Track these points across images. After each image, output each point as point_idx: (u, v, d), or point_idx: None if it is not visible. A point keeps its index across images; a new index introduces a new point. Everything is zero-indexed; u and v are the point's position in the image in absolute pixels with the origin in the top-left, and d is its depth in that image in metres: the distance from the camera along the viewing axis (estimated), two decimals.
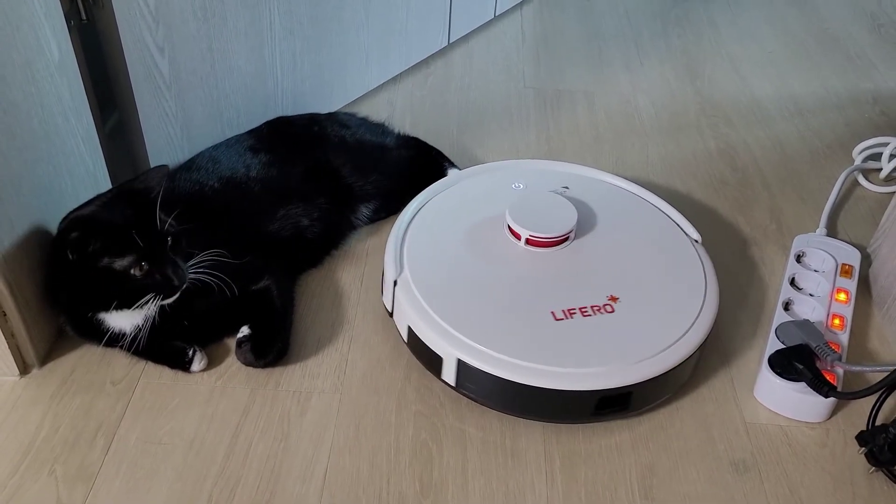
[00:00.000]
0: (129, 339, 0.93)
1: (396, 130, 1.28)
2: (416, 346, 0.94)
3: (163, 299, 0.90)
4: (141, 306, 0.89)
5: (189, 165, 1.09)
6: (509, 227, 1.01)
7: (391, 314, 1.00)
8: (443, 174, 1.22)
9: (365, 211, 1.16)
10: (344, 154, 1.16)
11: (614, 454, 0.88)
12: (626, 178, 1.15)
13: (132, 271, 0.88)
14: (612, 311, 0.93)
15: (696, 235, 1.06)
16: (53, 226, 0.93)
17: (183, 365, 0.95)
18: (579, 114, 1.46)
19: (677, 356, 0.89)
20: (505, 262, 1.00)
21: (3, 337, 0.89)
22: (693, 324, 0.93)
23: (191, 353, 0.95)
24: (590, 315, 0.93)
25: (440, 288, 0.96)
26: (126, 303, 0.90)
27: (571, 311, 0.93)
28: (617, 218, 1.07)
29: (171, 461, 0.86)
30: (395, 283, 0.97)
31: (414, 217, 1.06)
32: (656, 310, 0.94)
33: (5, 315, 0.89)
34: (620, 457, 0.88)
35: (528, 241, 1.00)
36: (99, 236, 0.87)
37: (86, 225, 0.88)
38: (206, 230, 1.01)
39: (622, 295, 0.95)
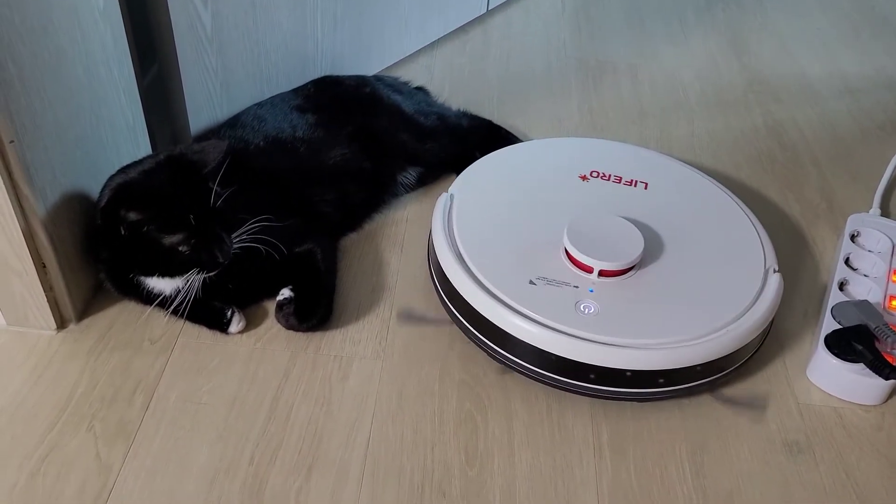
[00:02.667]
0: (169, 300, 0.91)
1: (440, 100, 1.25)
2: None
3: (206, 273, 0.88)
4: (183, 277, 0.88)
5: (234, 123, 1.07)
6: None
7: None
8: None
9: (410, 177, 1.14)
10: (399, 118, 1.14)
11: (664, 432, 0.86)
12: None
13: (180, 248, 0.86)
14: None
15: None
16: (94, 177, 0.90)
17: (221, 326, 0.93)
18: (622, 86, 1.42)
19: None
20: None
21: (41, 290, 0.87)
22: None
23: (229, 313, 0.93)
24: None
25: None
26: (169, 272, 0.88)
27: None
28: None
29: (211, 421, 0.84)
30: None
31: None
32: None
33: (45, 267, 0.87)
34: (670, 434, 0.86)
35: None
36: (154, 216, 0.84)
37: (142, 202, 0.85)
38: (249, 190, 0.98)
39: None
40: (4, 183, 0.78)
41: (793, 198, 1.19)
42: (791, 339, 0.97)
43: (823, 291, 1.02)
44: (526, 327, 0.86)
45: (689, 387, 0.87)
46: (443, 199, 1.00)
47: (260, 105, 1.11)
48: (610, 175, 1.06)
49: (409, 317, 0.97)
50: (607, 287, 0.90)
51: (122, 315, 0.94)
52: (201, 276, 0.88)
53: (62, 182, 0.86)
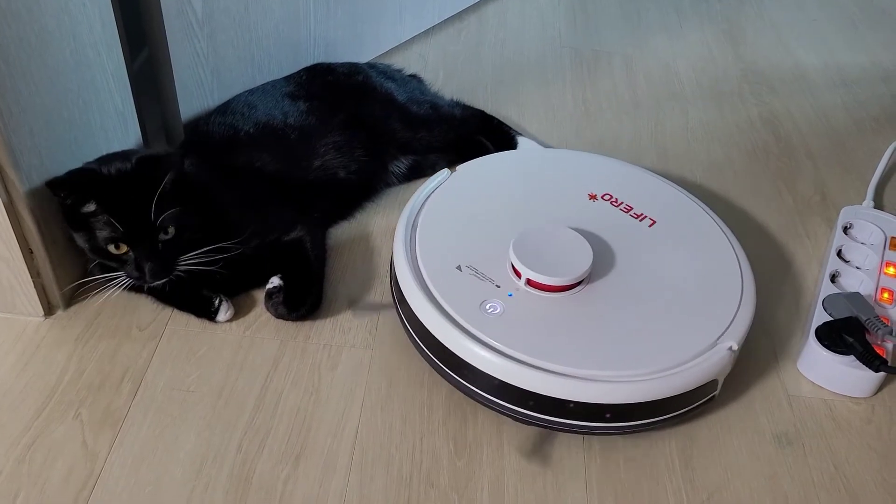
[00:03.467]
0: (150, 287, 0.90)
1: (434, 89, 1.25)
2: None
3: (134, 282, 0.87)
4: (117, 275, 0.87)
5: (223, 109, 1.06)
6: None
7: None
8: (512, 143, 1.18)
9: (402, 166, 1.13)
10: (391, 106, 1.13)
11: None
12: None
13: (108, 247, 0.85)
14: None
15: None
16: (82, 162, 0.89)
17: (209, 314, 0.93)
18: (617, 76, 1.42)
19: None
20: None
21: (28, 276, 0.86)
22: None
23: (217, 302, 0.92)
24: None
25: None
26: (106, 268, 0.88)
27: None
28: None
29: (199, 409, 0.84)
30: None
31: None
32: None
33: (32, 253, 0.86)
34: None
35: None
36: (82, 202, 0.83)
37: (78, 187, 0.84)
38: (236, 177, 0.98)
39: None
40: None
41: (786, 189, 1.18)
42: (781, 331, 0.97)
43: (814, 283, 1.02)
44: (423, 306, 0.84)
45: (566, 423, 0.81)
46: (441, 176, 1.01)
47: (251, 92, 1.10)
48: (614, 198, 1.00)
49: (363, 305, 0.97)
50: (532, 298, 0.86)
51: (110, 302, 0.93)
52: (128, 282, 0.87)
53: (49, 167, 0.85)
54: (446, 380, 0.85)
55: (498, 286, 0.87)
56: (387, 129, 1.11)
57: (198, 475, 0.78)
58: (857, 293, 0.94)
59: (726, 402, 0.88)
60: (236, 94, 1.11)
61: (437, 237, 0.93)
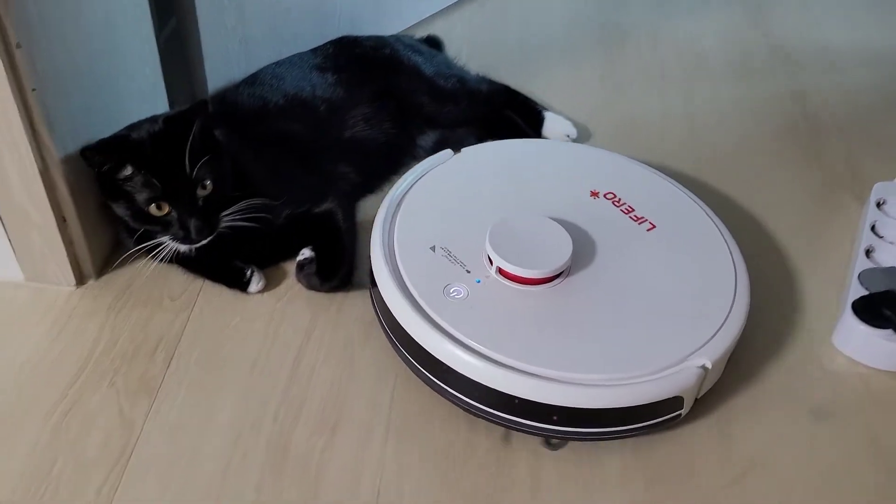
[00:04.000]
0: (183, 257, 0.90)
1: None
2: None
3: (181, 245, 0.86)
4: (160, 242, 0.86)
5: (252, 81, 1.05)
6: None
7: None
8: (539, 117, 1.17)
9: (429, 140, 1.12)
10: (418, 80, 1.12)
11: None
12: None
13: (150, 208, 0.84)
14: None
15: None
16: (112, 129, 0.88)
17: (241, 285, 0.92)
18: (644, 52, 1.40)
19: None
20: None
21: (61, 244, 0.86)
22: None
23: (248, 273, 0.92)
24: None
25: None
26: (148, 236, 0.86)
27: None
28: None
29: (233, 379, 0.83)
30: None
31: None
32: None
33: (65, 221, 0.85)
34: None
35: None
36: (119, 166, 0.83)
37: (113, 152, 0.83)
38: (266, 148, 0.97)
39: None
40: (26, 132, 0.76)
41: (816, 165, 1.17)
42: (814, 306, 0.96)
43: (847, 259, 1.01)
44: (386, 280, 0.82)
45: (512, 421, 0.78)
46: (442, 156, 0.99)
47: (278, 64, 1.09)
48: (617, 198, 0.95)
49: None
50: (501, 288, 0.83)
51: (141, 272, 0.93)
52: (175, 247, 0.87)
53: (82, 134, 0.85)
54: (401, 359, 0.83)
55: (468, 271, 0.84)
56: (414, 102, 1.10)
57: (235, 445, 0.78)
58: (894, 267, 0.94)
59: (762, 377, 0.88)
60: (263, 66, 1.10)
61: (420, 215, 0.91)
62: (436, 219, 0.91)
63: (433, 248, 0.86)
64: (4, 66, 0.73)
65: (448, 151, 0.99)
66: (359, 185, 1.05)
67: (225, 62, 1.09)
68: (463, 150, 1.00)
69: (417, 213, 0.91)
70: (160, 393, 0.81)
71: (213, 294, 0.92)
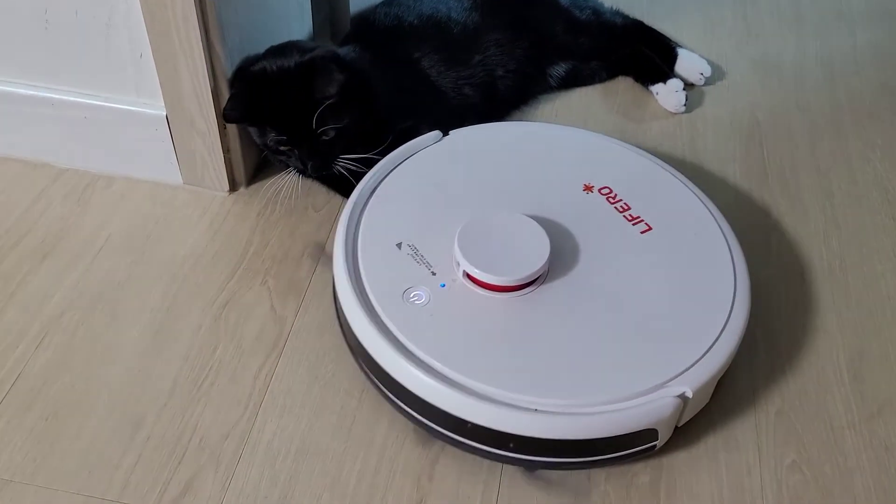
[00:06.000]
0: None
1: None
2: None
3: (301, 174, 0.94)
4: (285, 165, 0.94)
5: (389, 1, 1.08)
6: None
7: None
8: (672, 54, 1.16)
9: (560, 71, 1.12)
10: (554, 9, 1.12)
11: (820, 335, 0.86)
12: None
13: (271, 143, 0.91)
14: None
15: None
16: (267, 45, 0.93)
17: None
18: None
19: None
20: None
21: (221, 151, 0.92)
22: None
23: None
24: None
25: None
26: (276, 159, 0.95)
27: None
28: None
29: None
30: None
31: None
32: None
33: (225, 129, 0.91)
34: (827, 338, 0.85)
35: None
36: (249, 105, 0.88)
37: (249, 86, 0.89)
38: (397, 66, 1.00)
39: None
40: (202, 40, 0.81)
41: None
42: None
43: None
44: (342, 276, 0.76)
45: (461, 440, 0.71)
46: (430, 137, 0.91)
47: None
48: (613, 193, 0.86)
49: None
50: (466, 294, 0.75)
51: (287, 184, 0.98)
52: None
53: (245, 47, 0.89)
54: (353, 358, 0.79)
55: (433, 273, 0.76)
56: (548, 31, 1.11)
57: None
58: None
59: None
60: None
61: (393, 205, 0.83)
62: (408, 211, 0.83)
63: (399, 245, 0.79)
64: None
65: (436, 133, 0.91)
66: (486, 111, 1.07)
67: None
68: (452, 132, 0.92)
69: (391, 203, 0.83)
70: (307, 294, 0.87)
71: None
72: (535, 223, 0.78)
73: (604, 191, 0.86)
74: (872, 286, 0.91)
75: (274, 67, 0.89)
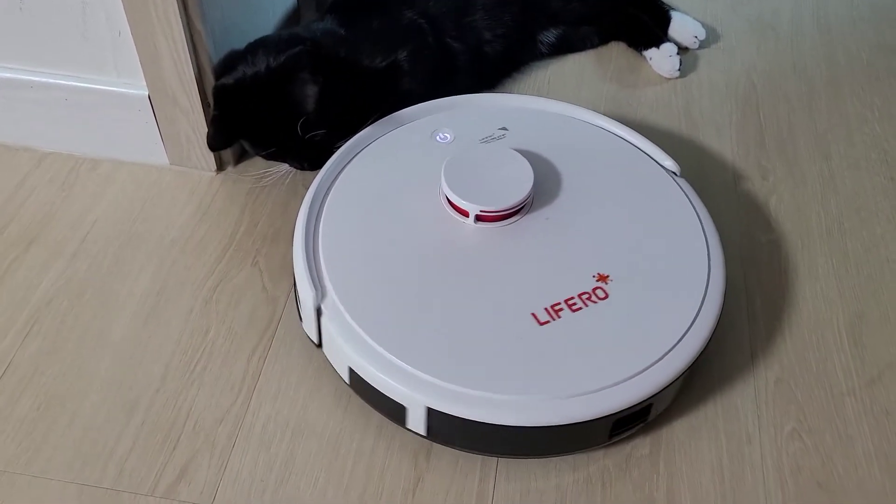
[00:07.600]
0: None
1: None
2: (366, 391, 0.71)
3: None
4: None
5: None
6: (450, 201, 0.77)
7: (319, 345, 0.76)
8: (666, 17, 1.13)
9: (551, 37, 1.10)
10: None
11: (819, 300, 0.85)
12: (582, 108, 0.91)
13: (262, 152, 0.91)
14: (606, 297, 0.72)
15: (673, 167, 0.81)
16: (251, 22, 0.91)
17: None
18: None
19: (700, 339, 0.70)
20: (455, 251, 0.76)
21: (206, 129, 0.89)
22: (707, 289, 0.74)
23: None
24: (580, 307, 0.71)
25: (381, 309, 0.72)
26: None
27: (557, 308, 0.71)
28: (581, 164, 0.83)
29: None
30: (320, 310, 0.72)
31: (324, 205, 0.81)
32: (659, 281, 0.74)
33: (210, 106, 0.89)
34: (826, 303, 0.84)
35: (478, 218, 0.77)
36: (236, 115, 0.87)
37: (234, 99, 0.87)
38: (381, 30, 0.97)
39: (612, 270, 0.74)
40: (181, 17, 0.79)
41: None
42: None
43: None
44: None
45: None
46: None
47: None
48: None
49: None
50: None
51: (276, 163, 0.97)
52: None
53: (227, 25, 0.87)
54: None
55: None
56: None
57: None
58: None
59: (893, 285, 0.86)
60: None
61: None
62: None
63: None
64: None
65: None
66: (477, 78, 1.04)
67: None
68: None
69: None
70: None
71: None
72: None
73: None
74: (872, 249, 0.90)
75: (249, 75, 0.86)
